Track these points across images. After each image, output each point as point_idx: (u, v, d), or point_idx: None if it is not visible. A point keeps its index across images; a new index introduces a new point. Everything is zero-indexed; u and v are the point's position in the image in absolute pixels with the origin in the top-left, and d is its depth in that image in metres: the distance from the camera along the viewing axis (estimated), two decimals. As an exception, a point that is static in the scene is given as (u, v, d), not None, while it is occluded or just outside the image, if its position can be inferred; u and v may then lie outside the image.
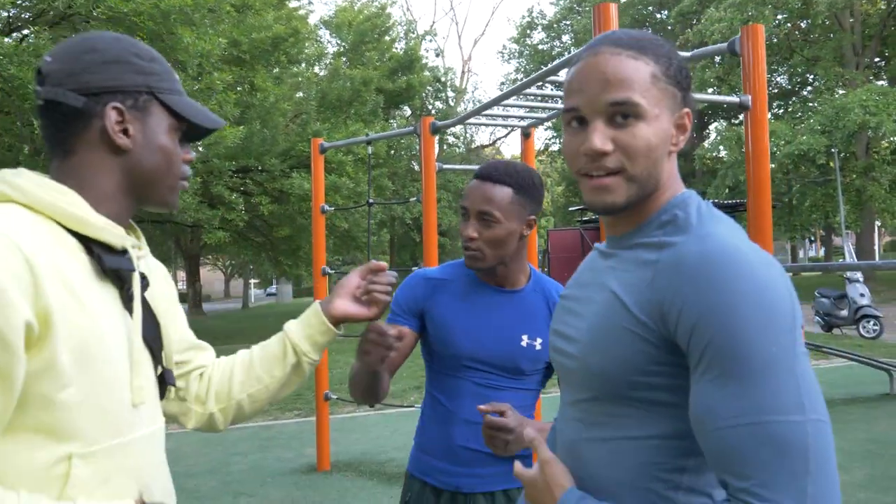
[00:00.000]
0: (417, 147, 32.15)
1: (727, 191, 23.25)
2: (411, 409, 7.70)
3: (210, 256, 40.39)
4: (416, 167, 30.62)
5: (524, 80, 4.92)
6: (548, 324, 1.76)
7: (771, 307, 0.86)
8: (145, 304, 1.17)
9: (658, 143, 0.98)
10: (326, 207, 5.72)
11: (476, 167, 6.71)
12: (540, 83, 4.01)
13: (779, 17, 23.56)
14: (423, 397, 1.88)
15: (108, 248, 1.06)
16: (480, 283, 1.79)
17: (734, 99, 3.24)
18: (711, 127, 32.27)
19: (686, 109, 1.02)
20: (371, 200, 5.61)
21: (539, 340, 1.74)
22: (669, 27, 30.40)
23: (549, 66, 3.73)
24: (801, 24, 25.66)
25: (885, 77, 25.34)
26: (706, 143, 27.08)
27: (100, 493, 1.01)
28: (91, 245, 1.04)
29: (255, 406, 1.39)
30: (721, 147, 23.31)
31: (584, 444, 1.05)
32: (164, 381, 1.22)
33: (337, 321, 1.39)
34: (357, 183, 17.39)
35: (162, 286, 1.29)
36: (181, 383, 1.36)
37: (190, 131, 1.18)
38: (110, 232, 1.06)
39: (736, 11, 21.69)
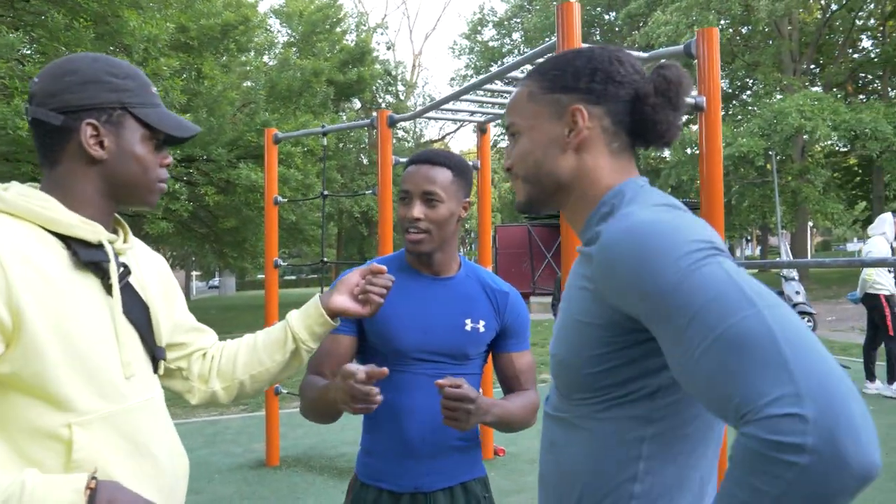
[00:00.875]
0: (367, 140, 31.95)
1: (670, 190, 23.79)
2: (361, 403, 7.67)
3: (151, 247, 39.43)
4: (365, 161, 30.44)
5: (475, 76, 4.94)
6: (489, 308, 1.78)
7: (664, 245, 0.91)
8: (129, 289, 1.30)
9: (534, 148, 1.15)
10: (280, 199, 5.64)
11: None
12: (499, 78, 4.04)
13: (722, 22, 24.19)
14: None
15: (86, 244, 1.22)
16: (415, 273, 1.78)
17: (689, 100, 3.32)
18: (656, 128, 32.96)
19: (575, 106, 1.11)
20: (325, 192, 5.55)
21: (482, 323, 1.76)
22: (617, 28, 30.90)
23: (508, 63, 3.76)
24: (742, 30, 26.44)
25: (819, 83, 26.28)
26: (651, 144, 27.64)
27: (101, 456, 1.16)
28: (69, 241, 1.20)
29: (256, 386, 1.53)
30: (665, 147, 23.82)
31: (554, 433, 1.14)
32: (156, 357, 1.37)
33: (334, 314, 1.52)
34: (306, 175, 17.17)
35: (156, 275, 1.44)
36: (183, 363, 1.51)
37: (168, 138, 1.32)
38: (83, 229, 1.21)
39: (682, 16, 22.19)
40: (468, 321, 1.74)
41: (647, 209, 1.01)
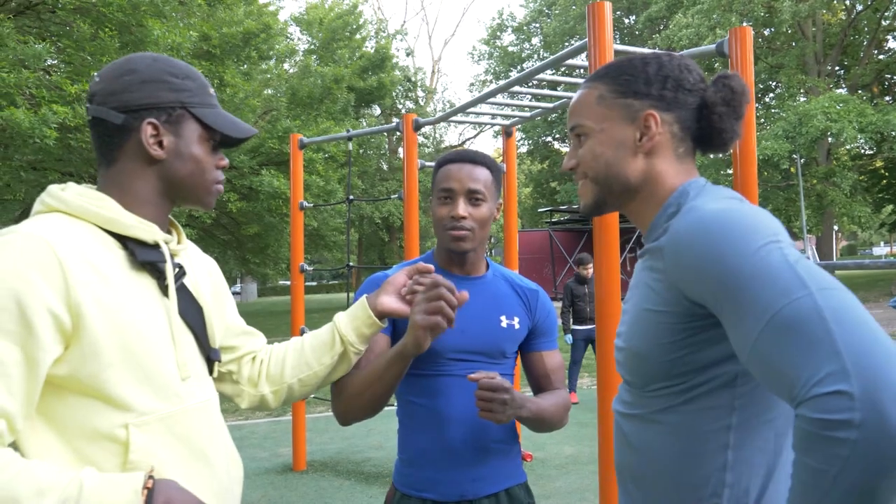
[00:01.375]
0: (387, 147, 32.05)
1: (693, 194, 23.59)
2: (386, 408, 7.66)
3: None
4: (385, 167, 30.54)
5: (494, 81, 4.92)
6: (520, 306, 1.77)
7: (738, 234, 0.95)
8: (184, 291, 1.30)
9: (604, 150, 1.18)
10: (305, 204, 5.65)
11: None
12: (523, 83, 4.02)
13: (744, 24, 24.00)
14: (397, 408, 1.77)
15: (142, 244, 1.22)
16: (446, 273, 1.75)
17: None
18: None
19: (648, 112, 1.16)
20: (351, 197, 5.55)
21: (517, 319, 1.74)
22: (637, 32, 30.77)
23: (530, 67, 3.73)
24: (765, 32, 26.19)
25: (844, 85, 25.96)
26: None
27: (158, 458, 1.15)
28: (126, 242, 1.20)
29: (305, 389, 1.52)
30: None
31: (633, 427, 1.15)
32: (211, 359, 1.36)
33: (382, 315, 1.51)
34: (327, 181, 17.25)
35: (207, 277, 1.43)
36: (233, 367, 1.50)
37: (224, 139, 1.32)
38: (140, 229, 1.21)
39: (703, 18, 22.04)
40: (503, 318, 1.72)
41: (714, 202, 1.06)
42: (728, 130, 1.16)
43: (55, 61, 12.40)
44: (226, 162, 1.34)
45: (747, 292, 0.90)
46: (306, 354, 1.51)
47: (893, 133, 19.32)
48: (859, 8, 23.88)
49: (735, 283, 0.92)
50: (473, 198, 1.67)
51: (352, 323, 1.51)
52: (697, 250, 0.98)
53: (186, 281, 1.32)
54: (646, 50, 3.57)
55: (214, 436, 1.29)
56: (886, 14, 24.22)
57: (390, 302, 1.52)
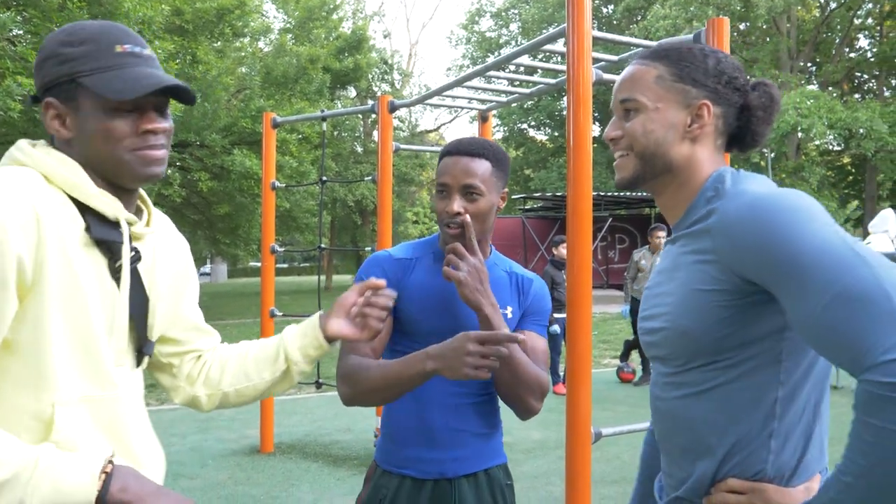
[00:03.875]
0: (361, 129, 31.75)
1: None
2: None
3: (142, 233, 39.19)
4: (360, 149, 30.32)
5: (471, 66, 4.90)
6: (514, 294, 1.76)
7: (797, 216, 1.03)
8: (135, 276, 1.23)
9: (656, 128, 1.22)
10: (277, 184, 5.58)
11: (432, 148, 6.67)
12: (500, 67, 3.99)
13: (721, 17, 24.19)
14: None
15: (102, 219, 1.14)
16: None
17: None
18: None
19: (703, 101, 1.22)
20: (324, 178, 5.49)
21: (510, 309, 1.74)
22: (616, 21, 30.84)
23: (511, 49, 3.71)
24: (741, 27, 26.41)
25: (816, 82, 26.31)
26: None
27: (81, 440, 1.09)
28: (85, 214, 1.13)
29: (241, 399, 1.46)
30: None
31: (680, 403, 1.21)
32: (142, 351, 1.28)
33: (330, 339, 1.45)
34: (300, 162, 17.08)
35: (172, 262, 1.36)
36: (175, 360, 1.43)
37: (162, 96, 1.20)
38: (102, 201, 1.14)
39: (681, 10, 22.16)
40: None
41: (761, 186, 1.15)
42: (760, 134, 1.26)
43: (21, 31, 12.06)
44: (155, 124, 1.18)
45: (812, 269, 0.97)
46: (248, 365, 1.44)
47: (861, 130, 19.67)
48: (833, 6, 24.18)
49: (799, 261, 0.99)
50: (468, 193, 1.64)
51: (300, 341, 1.44)
52: (755, 231, 1.05)
53: (140, 266, 1.24)
54: (631, 39, 3.59)
55: (138, 427, 1.24)
56: (859, 13, 24.58)
57: (339, 326, 1.45)
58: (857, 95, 26.64)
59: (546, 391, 1.73)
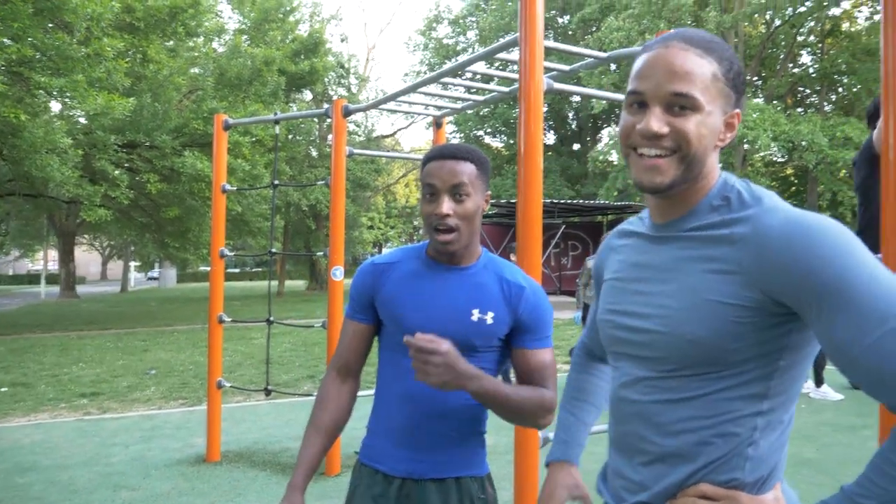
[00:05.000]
0: (317, 133, 31.49)
1: (617, 193, 24.20)
2: (305, 398, 7.54)
3: (87, 236, 38.17)
4: (315, 153, 30.04)
5: (428, 72, 4.88)
6: (500, 300, 1.72)
7: (849, 244, 1.00)
8: None
9: (707, 134, 1.11)
10: (228, 187, 5.47)
11: (386, 153, 6.59)
12: (455, 74, 3.99)
13: (672, 31, 24.67)
14: (377, 381, 1.84)
15: None
16: (431, 262, 1.77)
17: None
18: (604, 131, 33.51)
19: (737, 111, 1.15)
20: (276, 182, 5.41)
21: (491, 315, 1.70)
22: (570, 32, 31.26)
23: (467, 57, 3.71)
24: (691, 40, 26.99)
25: (761, 95, 27.08)
26: (599, 146, 28.07)
27: None
28: None
29: None
30: (613, 151, 24.20)
31: (658, 407, 1.16)
32: None
33: None
34: (253, 165, 16.85)
35: None
36: None
37: None
38: None
39: (634, 22, 22.57)
40: (475, 311, 1.70)
41: (787, 204, 1.10)
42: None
43: (-39, 25, 11.63)
44: None
45: (864, 300, 0.95)
46: None
47: (803, 143, 20.29)
48: (777, 23, 24.92)
49: (850, 289, 0.96)
50: (457, 194, 1.66)
51: None
52: (801, 251, 1.01)
53: None
54: (582, 50, 3.63)
55: None
56: (801, 30, 25.40)
57: None
58: (799, 109, 27.49)
59: (549, 406, 1.70)
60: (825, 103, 26.93)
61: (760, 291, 1.05)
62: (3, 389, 8.65)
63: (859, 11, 24.98)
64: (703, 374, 1.11)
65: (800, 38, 26.02)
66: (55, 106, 15.96)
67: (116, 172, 14.96)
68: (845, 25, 25.56)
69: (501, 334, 1.72)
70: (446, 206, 1.65)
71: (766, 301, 1.05)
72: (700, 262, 1.12)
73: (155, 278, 53.82)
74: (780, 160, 26.59)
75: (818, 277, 0.98)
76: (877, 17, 23.25)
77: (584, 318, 8.17)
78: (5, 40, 11.66)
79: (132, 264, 46.13)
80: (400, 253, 1.83)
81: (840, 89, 26.73)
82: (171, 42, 17.17)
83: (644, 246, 1.24)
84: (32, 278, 59.30)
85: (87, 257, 63.16)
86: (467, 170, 1.68)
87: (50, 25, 12.74)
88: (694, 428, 1.13)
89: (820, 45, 26.79)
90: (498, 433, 6.09)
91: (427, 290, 1.72)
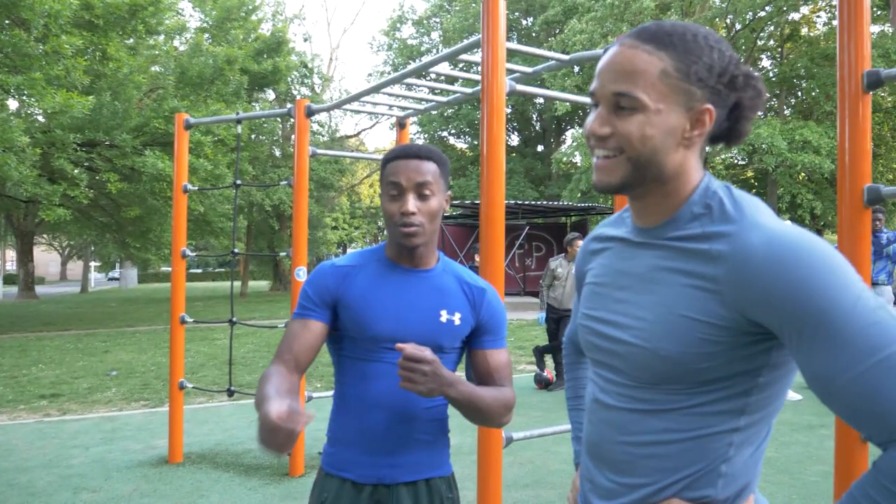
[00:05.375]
0: (280, 133, 31.21)
1: (580, 195, 24.46)
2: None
3: (46, 235, 37.31)
4: (278, 153, 29.80)
5: (392, 73, 4.91)
6: (465, 302, 1.76)
7: (833, 269, 0.95)
8: None
9: (655, 135, 1.06)
10: (189, 186, 5.43)
11: (350, 153, 6.59)
12: (419, 75, 4.03)
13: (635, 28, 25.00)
14: (334, 389, 1.80)
15: None
16: (393, 265, 1.77)
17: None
18: (568, 133, 33.83)
19: (706, 106, 1.06)
20: (238, 181, 5.38)
21: (458, 315, 1.74)
22: (534, 34, 31.49)
23: (431, 58, 3.75)
24: (653, 43, 27.40)
25: (722, 98, 27.55)
26: (563, 148, 28.34)
27: None
28: None
29: None
30: (577, 153, 24.46)
31: (633, 417, 1.13)
32: None
33: None
34: (216, 165, 16.65)
35: None
36: None
37: None
38: None
39: (596, 25, 22.83)
40: (443, 312, 1.73)
41: (773, 217, 1.04)
42: (744, 132, 1.12)
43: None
44: None
45: (852, 331, 0.91)
46: None
47: (763, 146, 20.73)
48: (738, 27, 25.43)
49: (836, 319, 0.92)
50: (421, 192, 1.67)
51: None
52: (784, 275, 0.96)
53: None
54: (545, 52, 3.69)
55: None
56: (762, 35, 25.95)
57: None
58: (759, 113, 28.05)
59: (511, 405, 1.74)
60: (784, 107, 27.54)
61: (737, 311, 1.01)
62: (-43, 393, 8.44)
63: (818, 17, 25.61)
64: (677, 388, 1.08)
65: (760, 43, 26.57)
66: (12, 104, 15.60)
67: (76, 171, 14.67)
68: (804, 30, 26.17)
69: (465, 335, 1.76)
70: (412, 203, 1.66)
71: (743, 321, 1.01)
72: (678, 274, 1.08)
73: (116, 279, 52.85)
74: (740, 163, 27.11)
75: (800, 304, 0.94)
76: (834, 23, 23.90)
77: (547, 319, 8.26)
78: (-41, 36, 11.37)
79: (92, 265, 45.20)
80: (359, 256, 1.81)
81: (799, 93, 27.35)
82: (132, 40, 16.90)
83: (625, 251, 1.20)
84: (-13, 279, 57.71)
85: (46, 257, 61.70)
86: (431, 169, 1.69)
87: (7, 22, 12.45)
88: (666, 440, 1.10)
89: (780, 49, 27.38)
90: (462, 433, 6.14)
91: (393, 294, 1.72)
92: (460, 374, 1.79)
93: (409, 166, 1.68)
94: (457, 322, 1.73)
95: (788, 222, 1.07)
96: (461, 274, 1.82)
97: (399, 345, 1.50)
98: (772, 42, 27.38)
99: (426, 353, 1.50)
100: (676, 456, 1.09)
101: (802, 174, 22.59)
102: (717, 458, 1.08)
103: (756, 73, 1.10)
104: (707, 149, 1.17)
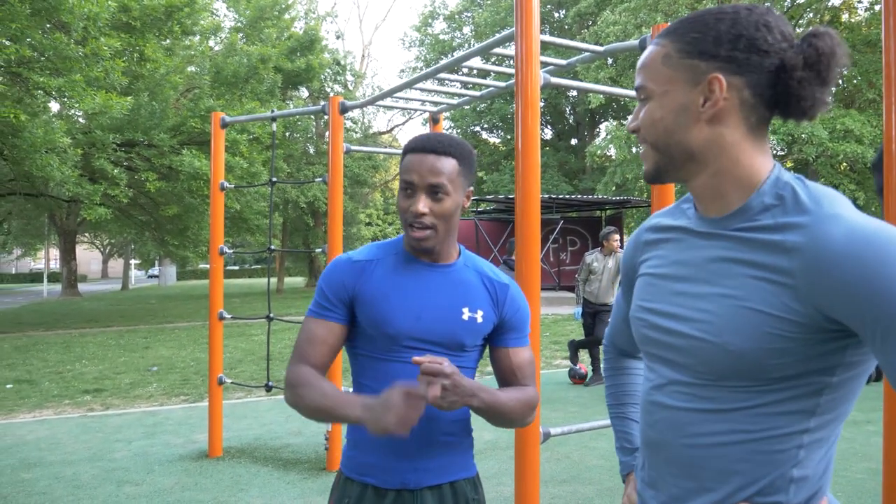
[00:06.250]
0: (314, 130, 31.46)
1: (615, 188, 24.22)
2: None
3: (87, 234, 38.17)
4: (312, 150, 30.05)
5: (424, 68, 4.91)
6: (487, 299, 1.68)
7: None
8: None
9: (664, 115, 1.09)
10: (226, 184, 5.50)
11: (384, 150, 6.61)
12: (451, 70, 4.02)
13: (669, 24, 24.69)
14: (352, 390, 1.70)
15: None
16: (412, 259, 1.68)
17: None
18: (602, 126, 33.51)
19: (713, 75, 1.04)
20: (274, 179, 5.43)
21: (480, 313, 1.65)
22: (567, 26, 31.24)
23: (463, 52, 3.73)
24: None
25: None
26: (597, 141, 28.10)
27: None
28: None
29: None
30: (611, 146, 24.23)
31: (696, 416, 1.08)
32: None
33: None
34: (251, 163, 16.86)
35: None
36: None
37: None
38: None
39: (630, 16, 22.55)
40: (466, 310, 1.65)
41: (851, 209, 1.00)
42: (808, 98, 1.03)
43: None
44: None
45: None
46: None
47: (803, 135, 20.30)
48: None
49: None
50: (435, 192, 1.58)
51: None
52: (868, 270, 0.91)
53: None
54: (579, 44, 3.65)
55: None
56: (800, 22, 25.39)
57: None
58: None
59: (534, 404, 1.68)
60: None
61: (813, 307, 0.96)
62: (7, 386, 8.68)
63: (859, 2, 24.97)
64: (745, 386, 1.03)
65: (798, 30, 26.01)
66: (54, 106, 15.98)
67: (115, 171, 14.98)
68: (845, 16, 25.54)
69: (487, 333, 1.68)
70: (423, 204, 1.58)
71: (818, 317, 0.96)
72: (747, 266, 1.04)
73: (155, 276, 53.87)
74: (780, 153, 26.61)
75: (885, 301, 0.89)
76: (878, 8, 23.28)
77: (583, 314, 8.20)
78: (4, 41, 11.67)
79: (132, 262, 46.15)
80: (376, 249, 1.72)
81: (840, 81, 26.75)
82: (168, 41, 17.17)
83: (687, 242, 1.16)
84: (35, 277, 59.32)
85: (88, 255, 63.19)
86: (447, 167, 1.59)
87: (48, 26, 12.74)
88: (732, 442, 1.05)
89: (817, 37, 26.75)
90: (498, 429, 6.12)
91: (412, 289, 1.64)
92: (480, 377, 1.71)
93: (425, 164, 1.59)
94: (479, 320, 1.65)
95: (870, 217, 1.00)
96: (483, 269, 1.74)
97: (416, 358, 1.44)
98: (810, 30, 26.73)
99: (444, 366, 1.44)
100: (743, 459, 1.04)
101: (844, 164, 22.06)
102: (787, 462, 1.03)
103: (822, 30, 1.03)
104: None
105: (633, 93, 3.51)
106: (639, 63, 1.15)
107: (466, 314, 1.64)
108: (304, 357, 1.64)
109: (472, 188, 1.69)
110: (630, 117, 1.17)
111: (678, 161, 1.11)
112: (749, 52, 1.03)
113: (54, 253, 58.82)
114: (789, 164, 27.78)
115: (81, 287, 37.66)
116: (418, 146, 1.61)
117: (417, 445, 1.60)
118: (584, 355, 9.26)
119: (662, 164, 1.13)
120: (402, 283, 1.64)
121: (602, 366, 1.57)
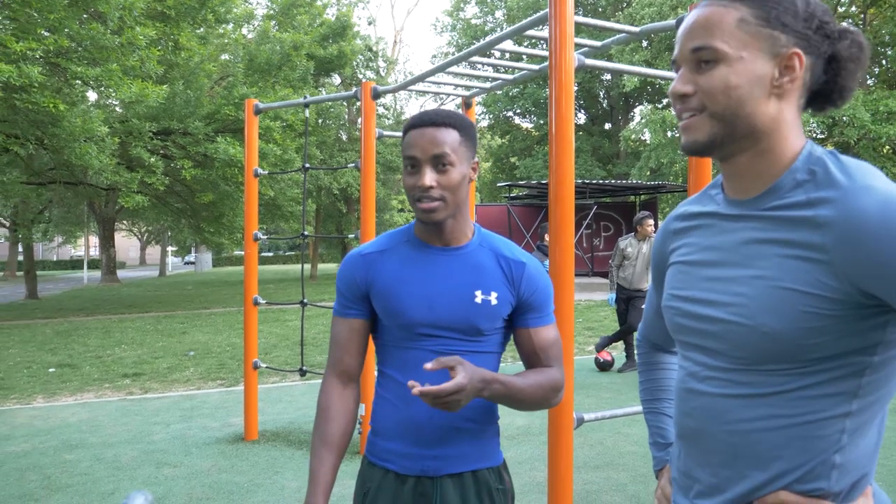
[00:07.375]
0: (346, 116, 31.52)
1: (649, 173, 23.91)
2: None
3: (125, 222, 38.88)
4: (345, 137, 30.15)
5: (456, 54, 4.86)
6: (502, 279, 1.63)
7: None
8: None
9: (740, 83, 1.02)
10: (260, 171, 5.54)
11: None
12: (484, 54, 3.97)
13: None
14: (376, 378, 1.70)
15: None
16: (423, 245, 1.66)
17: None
18: (636, 110, 33.06)
19: (794, 50, 1.02)
20: (307, 165, 5.46)
21: (494, 295, 1.61)
22: (601, 9, 30.80)
23: (495, 35, 3.68)
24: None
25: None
26: (631, 125, 27.72)
27: None
28: None
29: None
30: (646, 130, 23.88)
31: (733, 403, 1.06)
32: None
33: None
34: (284, 150, 16.98)
35: None
36: None
37: None
38: None
39: (665, -3, 22.15)
40: (478, 293, 1.60)
41: (885, 180, 0.97)
42: (848, 89, 1.06)
43: (-1, 17, 11.87)
44: None
45: None
46: None
47: (844, 118, 19.80)
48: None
49: None
50: (439, 164, 1.55)
51: None
52: None
53: None
54: (614, 24, 3.58)
55: None
56: (842, 1, 24.69)
57: None
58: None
59: (559, 386, 1.65)
60: (868, 76, 26.20)
61: (849, 282, 0.94)
62: (50, 370, 8.92)
63: (903, -19, 24.18)
64: (783, 369, 1.01)
65: (840, 10, 25.31)
66: (91, 95, 16.25)
67: (152, 159, 15.20)
68: (888, -4, 24.76)
69: (505, 314, 1.64)
70: (429, 177, 1.54)
71: (855, 293, 0.94)
72: (778, 245, 1.01)
73: (191, 263, 54.76)
74: (820, 136, 25.99)
75: None
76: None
77: (617, 300, 8.12)
78: (43, 31, 11.88)
79: (169, 249, 46.94)
80: (387, 239, 1.71)
81: (883, 62, 25.98)
82: (202, 29, 17.32)
83: (716, 226, 1.13)
84: (75, 263, 60.78)
85: (126, 243, 64.52)
86: (449, 138, 1.56)
87: (84, 16, 12.93)
88: (771, 428, 1.02)
89: (862, 15, 26.03)
90: (532, 414, 6.12)
91: (423, 277, 1.62)
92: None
93: (425, 136, 1.55)
94: (493, 302, 1.61)
95: None
96: (500, 248, 1.68)
97: (412, 384, 1.39)
98: (854, 8, 26.03)
99: (446, 385, 1.39)
100: (783, 445, 1.01)
101: (887, 147, 21.47)
102: (829, 447, 1.00)
103: (855, 28, 1.05)
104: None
105: (669, 74, 3.46)
106: (696, 21, 1.06)
107: (479, 297, 1.60)
108: (335, 363, 1.67)
109: (477, 160, 1.65)
110: (678, 79, 1.07)
111: (738, 134, 1.05)
112: (818, 35, 1.03)
113: (94, 240, 60.14)
114: (830, 147, 27.14)
115: (120, 274, 38.43)
116: (417, 122, 1.59)
117: (437, 432, 1.59)
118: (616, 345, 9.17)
119: (720, 136, 1.05)
120: (412, 271, 1.63)
121: (637, 359, 1.53)
